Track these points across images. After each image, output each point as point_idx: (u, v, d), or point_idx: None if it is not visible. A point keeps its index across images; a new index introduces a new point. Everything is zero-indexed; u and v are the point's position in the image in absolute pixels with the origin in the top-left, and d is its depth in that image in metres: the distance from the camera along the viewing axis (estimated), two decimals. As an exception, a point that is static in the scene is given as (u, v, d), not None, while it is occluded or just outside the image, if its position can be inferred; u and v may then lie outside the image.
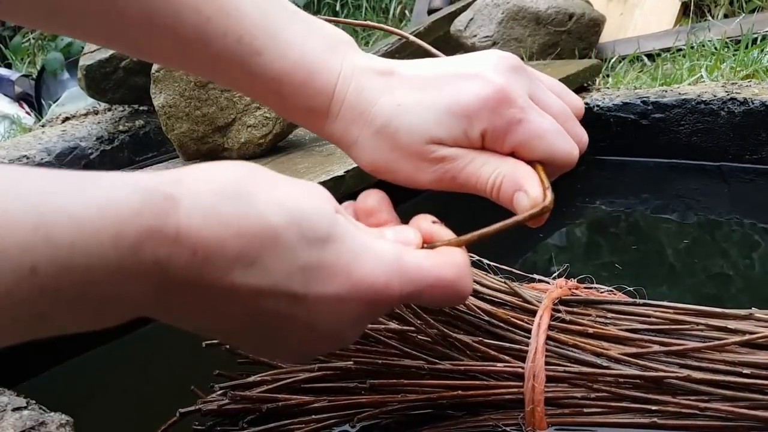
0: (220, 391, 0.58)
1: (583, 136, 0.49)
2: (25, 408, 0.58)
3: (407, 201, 1.40)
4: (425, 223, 0.44)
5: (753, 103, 1.34)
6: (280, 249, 0.35)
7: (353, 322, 0.39)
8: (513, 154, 0.46)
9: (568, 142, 0.46)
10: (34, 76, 2.55)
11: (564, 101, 0.49)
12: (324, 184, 1.10)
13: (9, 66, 3.17)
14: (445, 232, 0.44)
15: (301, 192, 0.38)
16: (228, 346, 0.59)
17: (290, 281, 0.36)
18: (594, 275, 0.67)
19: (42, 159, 1.51)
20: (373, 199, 0.45)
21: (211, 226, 0.33)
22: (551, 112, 0.47)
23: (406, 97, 0.46)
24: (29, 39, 3.36)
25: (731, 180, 1.38)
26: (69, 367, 0.93)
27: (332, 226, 0.38)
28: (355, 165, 1.15)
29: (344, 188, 1.12)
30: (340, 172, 1.13)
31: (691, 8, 1.84)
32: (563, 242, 1.27)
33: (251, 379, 0.58)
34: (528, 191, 0.44)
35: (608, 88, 1.60)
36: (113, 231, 0.30)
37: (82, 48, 1.65)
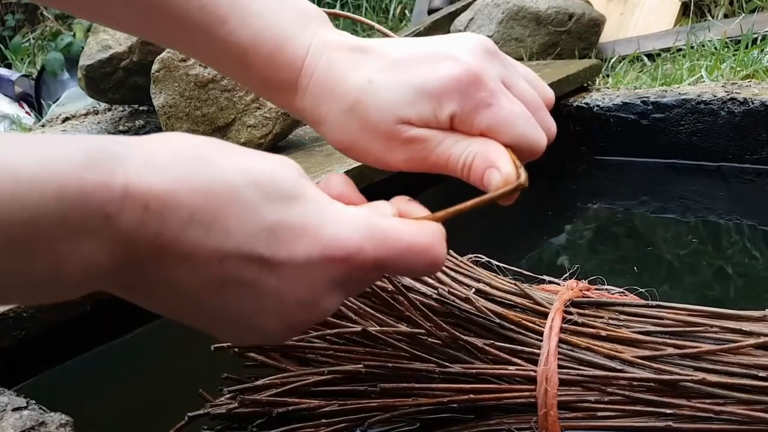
0: (229, 395, 0.58)
1: (552, 126, 0.49)
2: (25, 408, 0.58)
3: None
4: (400, 202, 0.43)
5: (753, 103, 1.34)
6: (241, 208, 0.34)
7: (326, 287, 0.37)
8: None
9: (537, 130, 0.46)
10: (34, 76, 2.53)
11: (536, 90, 0.48)
12: (324, 184, 1.11)
13: (9, 66, 3.15)
14: (419, 209, 0.43)
15: (262, 156, 0.36)
16: (236, 349, 0.58)
17: (254, 243, 0.34)
18: (594, 275, 0.67)
19: (42, 159, 1.50)
20: (336, 181, 0.43)
21: (165, 181, 0.32)
22: (522, 99, 0.46)
23: (377, 74, 0.45)
24: (29, 39, 3.35)
25: (731, 180, 1.38)
26: (69, 368, 0.92)
27: (297, 187, 0.36)
28: (355, 165, 1.15)
29: (344, 188, 1.11)
30: (340, 172, 1.13)
31: (691, 8, 1.84)
32: (563, 242, 1.27)
33: (260, 382, 0.57)
34: (500, 168, 0.43)
35: (608, 88, 1.60)
36: (56, 184, 0.29)
37: (82, 48, 1.64)
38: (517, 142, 0.45)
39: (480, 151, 0.44)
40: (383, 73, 0.45)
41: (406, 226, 0.40)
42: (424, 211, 0.43)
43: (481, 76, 0.44)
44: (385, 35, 0.53)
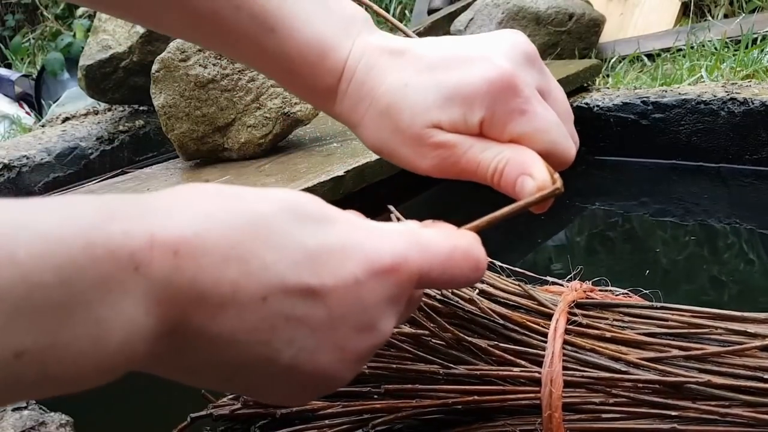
0: (231, 396, 0.57)
1: (577, 139, 0.48)
2: (25, 408, 0.58)
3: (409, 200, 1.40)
4: (427, 224, 0.42)
5: (753, 104, 1.34)
6: (277, 237, 0.32)
7: (380, 306, 0.35)
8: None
9: (568, 140, 0.45)
10: (34, 76, 2.52)
11: None
12: (324, 184, 1.11)
13: (9, 66, 3.16)
14: (447, 225, 0.42)
15: (281, 189, 0.35)
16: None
17: (298, 272, 0.32)
18: (593, 275, 0.66)
19: (42, 159, 1.50)
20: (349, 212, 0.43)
21: (190, 223, 0.30)
22: (556, 109, 0.46)
23: (413, 78, 0.45)
24: (29, 39, 3.35)
25: (730, 182, 1.38)
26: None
27: (325, 209, 0.35)
28: (355, 165, 1.15)
29: (344, 188, 1.12)
30: (340, 172, 1.13)
31: (691, 8, 1.84)
32: (562, 242, 1.27)
33: (263, 384, 0.57)
34: (534, 175, 0.43)
35: (608, 88, 1.60)
36: (83, 239, 0.27)
37: (82, 48, 1.63)
38: (550, 150, 0.44)
39: (512, 158, 0.43)
40: (418, 77, 0.45)
41: (444, 233, 0.39)
42: (452, 228, 0.42)
43: (515, 81, 0.43)
44: (406, 34, 0.52)
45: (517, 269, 0.67)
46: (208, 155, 1.34)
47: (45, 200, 0.28)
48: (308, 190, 1.03)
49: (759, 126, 1.34)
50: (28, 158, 1.48)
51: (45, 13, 3.32)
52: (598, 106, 1.52)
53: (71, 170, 1.52)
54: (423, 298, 0.58)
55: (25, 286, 0.25)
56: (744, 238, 1.19)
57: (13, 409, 0.58)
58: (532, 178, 0.42)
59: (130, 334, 0.28)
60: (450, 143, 0.44)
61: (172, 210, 0.30)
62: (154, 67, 1.29)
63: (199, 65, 1.27)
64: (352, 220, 0.36)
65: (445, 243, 0.38)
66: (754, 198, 1.33)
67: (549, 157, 0.44)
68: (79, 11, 2.84)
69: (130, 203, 0.30)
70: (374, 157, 1.18)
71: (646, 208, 1.36)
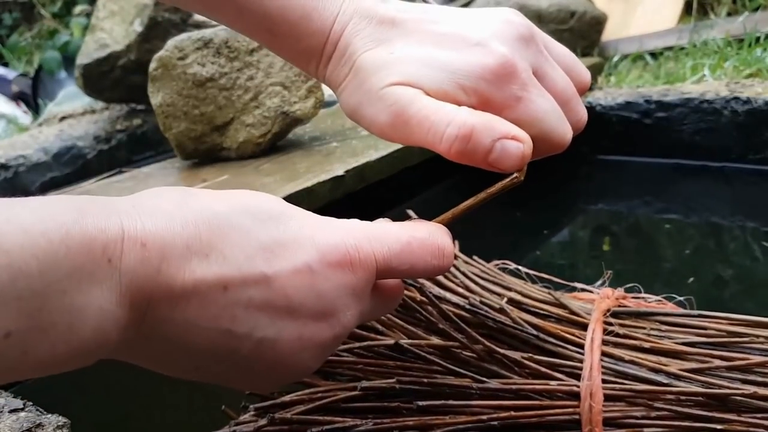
0: (254, 412, 0.55)
1: (583, 116, 0.47)
2: (22, 410, 0.57)
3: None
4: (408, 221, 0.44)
5: (756, 102, 1.33)
6: (234, 234, 0.34)
7: (337, 296, 0.37)
8: None
9: (563, 125, 0.44)
10: (31, 75, 2.51)
11: (571, 75, 0.47)
12: (324, 184, 1.08)
13: (6, 65, 3.13)
14: (424, 222, 0.43)
15: (245, 191, 0.37)
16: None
17: (253, 263, 0.34)
18: (595, 276, 0.65)
19: (39, 159, 1.48)
20: None
21: (156, 221, 0.33)
22: (554, 91, 0.44)
23: (402, 49, 0.43)
24: (27, 38, 3.31)
25: (734, 180, 1.37)
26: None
27: (284, 208, 0.37)
28: (355, 165, 1.12)
29: (344, 188, 1.10)
30: (340, 172, 1.10)
31: (694, 6, 1.82)
32: (565, 242, 1.25)
33: (287, 398, 0.54)
34: None
35: (611, 86, 1.58)
36: (62, 232, 0.29)
37: (80, 46, 1.61)
38: (543, 137, 0.44)
39: None
40: (408, 48, 0.43)
41: (401, 225, 0.40)
42: (424, 221, 0.43)
43: (512, 66, 0.42)
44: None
45: (543, 275, 0.65)
46: (206, 155, 1.31)
47: (25, 199, 0.31)
48: (307, 190, 1.01)
49: (762, 125, 1.33)
50: (24, 158, 1.46)
51: (42, 11, 3.28)
52: (600, 105, 1.50)
53: (68, 170, 1.50)
54: (451, 308, 0.55)
55: (10, 273, 0.27)
56: (749, 235, 1.18)
57: (10, 411, 0.56)
58: None
59: (102, 321, 0.31)
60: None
61: (137, 209, 0.33)
62: (152, 65, 1.26)
63: (197, 64, 1.24)
64: (310, 216, 0.38)
65: (401, 234, 0.39)
66: (759, 194, 1.32)
67: (542, 143, 0.44)
68: (77, 9, 2.81)
69: (100, 204, 0.32)
70: (374, 156, 1.16)
71: (650, 207, 1.35)
